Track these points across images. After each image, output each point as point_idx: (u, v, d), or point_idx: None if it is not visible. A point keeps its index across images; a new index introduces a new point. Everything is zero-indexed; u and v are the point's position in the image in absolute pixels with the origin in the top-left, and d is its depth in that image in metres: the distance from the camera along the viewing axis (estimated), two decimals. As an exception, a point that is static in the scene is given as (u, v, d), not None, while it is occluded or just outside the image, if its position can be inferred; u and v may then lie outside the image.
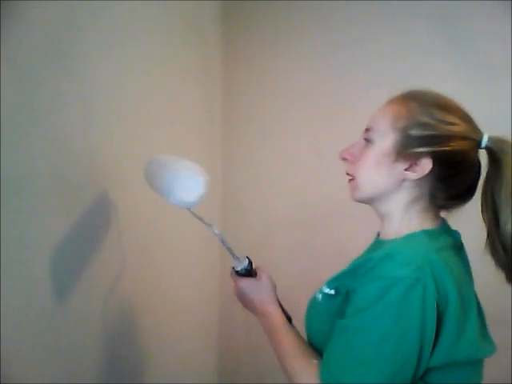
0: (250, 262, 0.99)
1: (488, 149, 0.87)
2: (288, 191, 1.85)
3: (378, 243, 0.94)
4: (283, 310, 0.98)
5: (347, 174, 0.94)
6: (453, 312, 0.78)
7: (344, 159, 0.93)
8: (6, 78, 0.73)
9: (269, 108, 1.86)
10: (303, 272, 1.74)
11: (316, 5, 1.77)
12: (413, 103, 0.87)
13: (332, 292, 0.86)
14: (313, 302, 0.92)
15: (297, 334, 0.92)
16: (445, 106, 0.87)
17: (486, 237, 0.88)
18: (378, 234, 0.97)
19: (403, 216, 0.89)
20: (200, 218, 0.97)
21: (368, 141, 0.90)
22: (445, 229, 0.92)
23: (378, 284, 0.78)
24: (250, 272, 0.99)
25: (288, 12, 1.81)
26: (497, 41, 1.59)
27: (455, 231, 0.94)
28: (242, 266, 0.98)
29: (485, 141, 0.87)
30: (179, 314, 1.53)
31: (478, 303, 0.90)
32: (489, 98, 1.60)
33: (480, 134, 0.88)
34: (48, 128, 0.84)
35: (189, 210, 0.97)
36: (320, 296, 0.89)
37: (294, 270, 1.76)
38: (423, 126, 0.85)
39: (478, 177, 0.90)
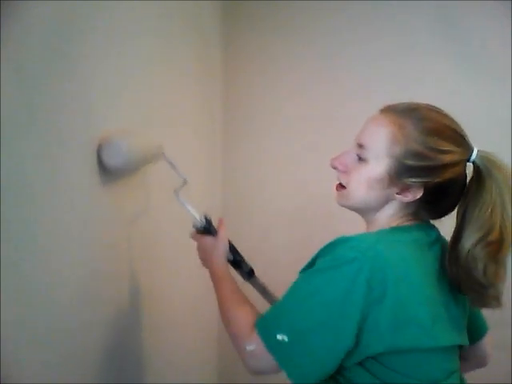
0: (208, 221, 1.09)
1: (475, 164, 0.89)
2: (288, 191, 1.85)
3: None
4: (243, 261, 1.12)
5: (339, 181, 0.96)
6: (391, 299, 0.81)
7: (335, 168, 0.95)
8: (6, 78, 0.73)
9: (269, 108, 1.86)
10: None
11: (316, 5, 1.77)
12: (408, 126, 0.88)
13: None
14: None
15: (236, 286, 1.02)
16: (438, 130, 0.88)
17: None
18: None
19: (385, 223, 0.93)
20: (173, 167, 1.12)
21: (361, 159, 0.91)
22: (421, 226, 0.93)
23: (324, 258, 0.88)
24: (209, 230, 1.09)
25: (288, 12, 1.81)
26: (497, 41, 1.59)
27: (431, 229, 0.95)
28: (200, 224, 1.08)
29: (473, 157, 0.89)
30: (179, 314, 1.53)
31: (454, 296, 0.91)
32: (489, 97, 1.60)
33: (470, 150, 0.89)
34: (48, 128, 0.84)
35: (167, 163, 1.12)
36: None
37: (294, 268, 1.76)
38: (417, 156, 0.86)
39: (463, 192, 0.92)
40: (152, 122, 1.28)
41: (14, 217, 0.76)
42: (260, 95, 1.87)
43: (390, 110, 0.92)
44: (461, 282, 0.89)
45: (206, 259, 1.10)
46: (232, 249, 1.12)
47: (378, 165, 0.89)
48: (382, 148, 0.88)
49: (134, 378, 1.24)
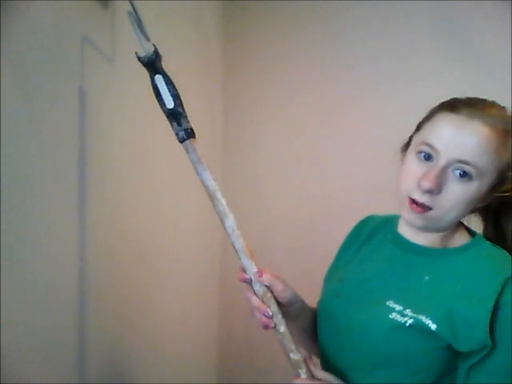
0: (157, 53, 0.85)
1: None
2: (288, 191, 1.85)
3: (441, 252, 0.88)
4: (184, 116, 0.98)
5: (421, 204, 0.81)
6: None
7: (429, 192, 0.80)
8: (6, 78, 0.73)
9: (269, 108, 1.86)
10: (303, 272, 1.74)
11: (316, 5, 1.77)
12: (510, 139, 0.81)
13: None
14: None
15: None
16: None
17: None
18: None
19: (454, 228, 0.88)
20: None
21: (466, 177, 0.79)
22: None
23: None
24: (153, 64, 0.85)
25: (288, 12, 1.81)
26: (497, 41, 1.59)
27: None
28: (146, 54, 0.85)
29: None
30: (180, 316, 1.53)
31: None
32: (488, 97, 1.60)
33: None
34: (48, 128, 0.84)
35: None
36: None
37: (293, 269, 1.76)
38: None
39: None
40: (151, 121, 1.28)
41: (14, 217, 0.76)
42: (260, 95, 1.86)
43: (494, 123, 0.82)
44: None
45: None
46: (172, 90, 0.90)
47: (483, 182, 0.80)
48: (488, 164, 0.79)
49: (135, 378, 1.24)
